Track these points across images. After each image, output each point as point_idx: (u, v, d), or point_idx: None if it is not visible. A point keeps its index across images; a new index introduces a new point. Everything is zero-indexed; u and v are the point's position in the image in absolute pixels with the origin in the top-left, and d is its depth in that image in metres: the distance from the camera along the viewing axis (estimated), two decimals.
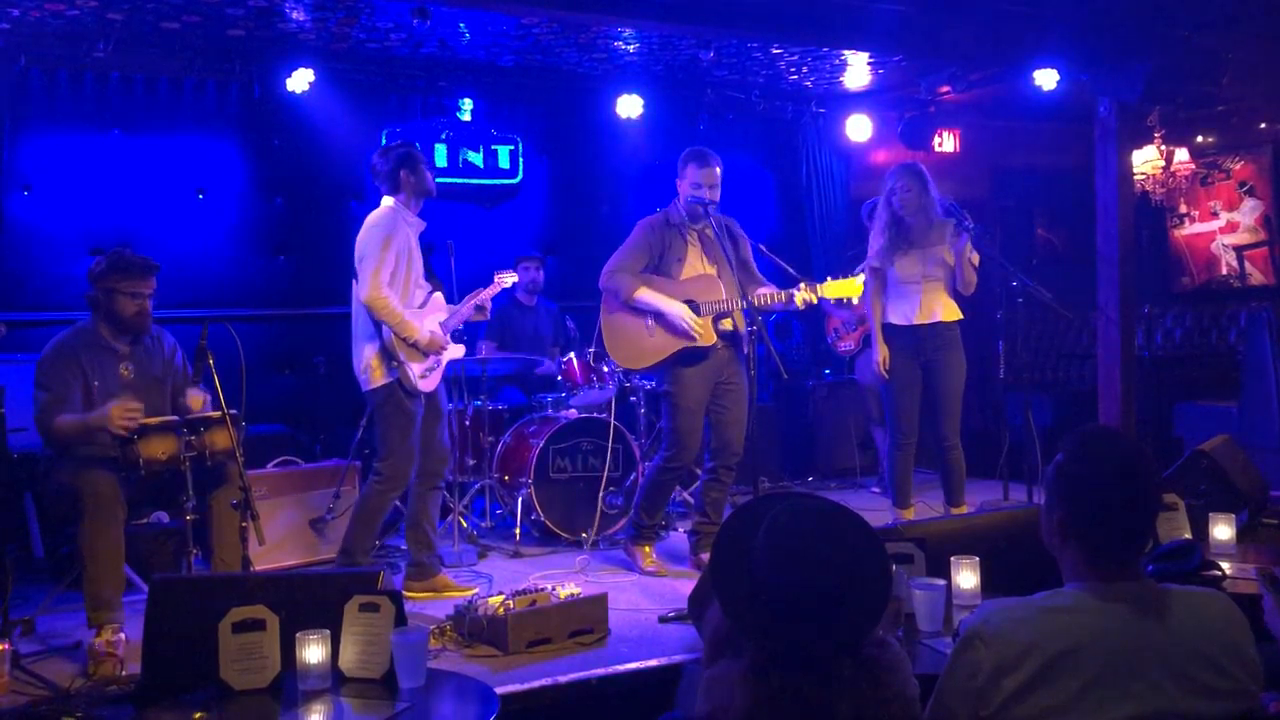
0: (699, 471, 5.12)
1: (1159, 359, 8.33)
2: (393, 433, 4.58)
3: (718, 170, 4.88)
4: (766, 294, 4.88)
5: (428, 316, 4.69)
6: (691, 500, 5.40)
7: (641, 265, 4.95)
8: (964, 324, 5.50)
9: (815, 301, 4.80)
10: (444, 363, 4.77)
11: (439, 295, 4.84)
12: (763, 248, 4.97)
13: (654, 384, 5.43)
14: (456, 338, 4.89)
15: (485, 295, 4.96)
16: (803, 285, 4.78)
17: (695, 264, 4.96)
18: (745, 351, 4.95)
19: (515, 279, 5.40)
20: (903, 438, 5.47)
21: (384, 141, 6.81)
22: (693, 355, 4.88)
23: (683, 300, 4.88)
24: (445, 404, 4.90)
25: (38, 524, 4.87)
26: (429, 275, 4.83)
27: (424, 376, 4.63)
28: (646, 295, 4.87)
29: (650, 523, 5.07)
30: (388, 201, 4.65)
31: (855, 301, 4.92)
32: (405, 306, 4.57)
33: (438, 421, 4.80)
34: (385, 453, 4.60)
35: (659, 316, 4.87)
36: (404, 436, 4.58)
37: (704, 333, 4.84)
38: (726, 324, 4.93)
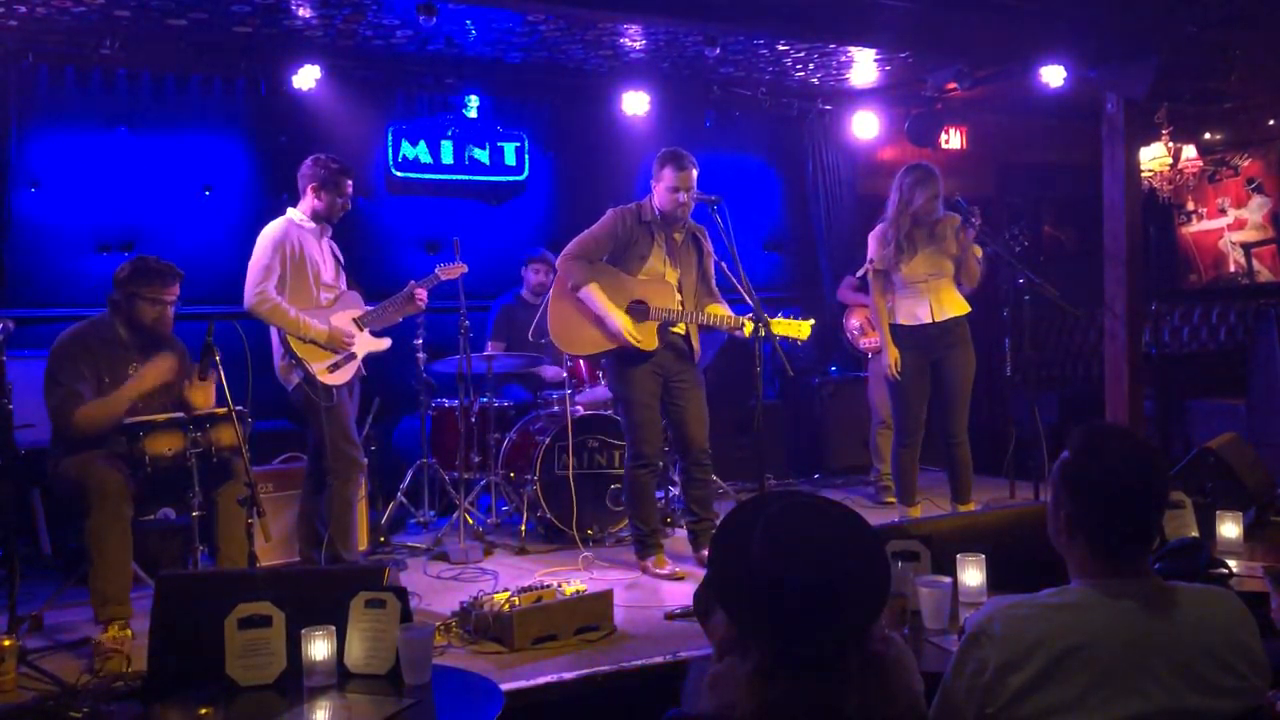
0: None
1: (1166, 356, 8.32)
2: (324, 428, 4.65)
3: (694, 173, 4.86)
4: (719, 315, 4.88)
5: (337, 314, 4.80)
6: None
7: (603, 254, 4.92)
8: (970, 321, 5.49)
9: (763, 335, 4.66)
10: (360, 356, 4.86)
11: (355, 294, 4.97)
12: (724, 267, 4.93)
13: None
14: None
15: (416, 289, 5.06)
16: (750, 316, 4.68)
17: (656, 265, 4.93)
18: (695, 358, 4.99)
19: (458, 273, 5.41)
20: (909, 437, 5.47)
21: (389, 139, 6.86)
22: (633, 356, 4.86)
23: (633, 299, 4.87)
24: (350, 404, 4.91)
25: (45, 520, 4.88)
26: (347, 278, 5.00)
27: (330, 371, 4.70)
28: (593, 296, 4.83)
29: (648, 529, 5.01)
30: (291, 212, 4.82)
31: (800, 342, 4.92)
32: (312, 307, 4.73)
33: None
34: (329, 450, 4.68)
35: (599, 321, 4.85)
36: (333, 427, 4.66)
37: (644, 339, 4.83)
38: (680, 328, 4.92)
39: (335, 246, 4.99)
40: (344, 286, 4.97)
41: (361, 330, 4.89)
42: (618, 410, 5.10)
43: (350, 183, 4.90)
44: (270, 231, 4.74)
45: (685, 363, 4.97)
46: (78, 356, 4.24)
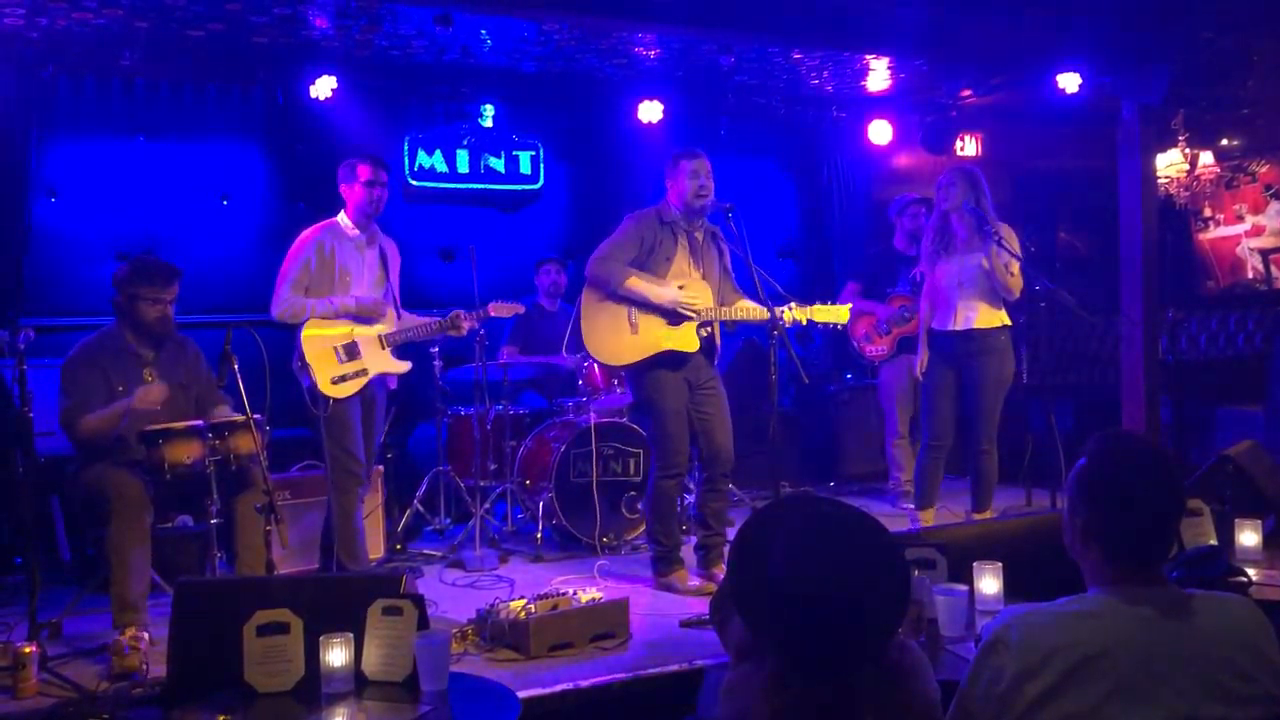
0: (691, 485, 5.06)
1: (1183, 363, 8.27)
2: (325, 437, 4.64)
3: (708, 162, 4.83)
4: (748, 307, 4.81)
5: (360, 326, 4.80)
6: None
7: (630, 257, 4.79)
8: None
9: (804, 323, 4.73)
10: (371, 374, 4.78)
11: (392, 312, 4.96)
12: (751, 263, 4.89)
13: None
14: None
15: (463, 320, 5.05)
16: (792, 305, 4.72)
17: (682, 266, 4.83)
18: (716, 359, 4.93)
19: (510, 312, 5.41)
20: (933, 439, 5.46)
21: (405, 148, 6.90)
22: (671, 361, 4.75)
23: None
24: (380, 417, 4.92)
25: (64, 527, 4.92)
26: (387, 293, 4.94)
27: (333, 384, 4.65)
28: (637, 286, 4.72)
29: (670, 544, 4.88)
30: (340, 216, 4.84)
31: (841, 327, 4.94)
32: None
33: (366, 434, 4.84)
34: (327, 458, 4.66)
35: (647, 308, 4.73)
36: (330, 438, 4.64)
37: (684, 340, 4.74)
38: (706, 331, 4.84)
39: (390, 259, 4.96)
40: (382, 298, 4.91)
41: (384, 349, 4.84)
42: (643, 418, 4.98)
43: (368, 168, 4.80)
44: (300, 238, 4.78)
45: (712, 369, 4.90)
46: (84, 370, 4.28)
